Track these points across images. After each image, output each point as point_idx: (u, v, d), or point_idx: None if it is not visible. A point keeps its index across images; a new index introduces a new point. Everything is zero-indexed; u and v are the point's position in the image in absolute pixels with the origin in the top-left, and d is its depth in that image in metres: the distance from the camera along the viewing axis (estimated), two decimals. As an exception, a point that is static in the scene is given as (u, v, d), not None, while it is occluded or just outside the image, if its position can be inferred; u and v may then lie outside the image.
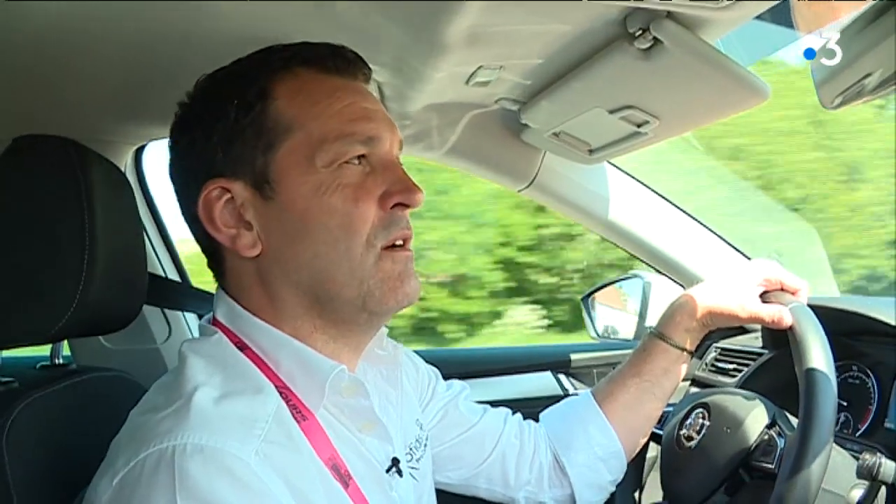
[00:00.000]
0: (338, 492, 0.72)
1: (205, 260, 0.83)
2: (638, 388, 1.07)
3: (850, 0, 0.81)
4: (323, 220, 0.74)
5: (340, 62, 0.79)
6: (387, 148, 0.78)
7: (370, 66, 0.82)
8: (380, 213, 0.75)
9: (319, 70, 0.77)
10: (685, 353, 1.06)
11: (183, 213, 0.80)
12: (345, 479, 0.73)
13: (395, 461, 0.83)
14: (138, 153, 1.50)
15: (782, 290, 1.01)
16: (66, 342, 1.11)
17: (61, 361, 1.04)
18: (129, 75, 1.05)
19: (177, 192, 0.81)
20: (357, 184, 0.75)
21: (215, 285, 0.82)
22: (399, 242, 0.77)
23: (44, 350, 1.03)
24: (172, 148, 0.81)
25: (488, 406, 1.11)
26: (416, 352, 1.10)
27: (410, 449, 0.91)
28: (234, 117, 0.74)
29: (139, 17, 0.86)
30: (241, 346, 0.75)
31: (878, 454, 0.85)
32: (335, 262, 0.74)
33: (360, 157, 0.76)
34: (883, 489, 0.85)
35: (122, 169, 1.34)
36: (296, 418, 0.72)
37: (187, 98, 0.79)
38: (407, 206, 0.77)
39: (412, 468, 0.89)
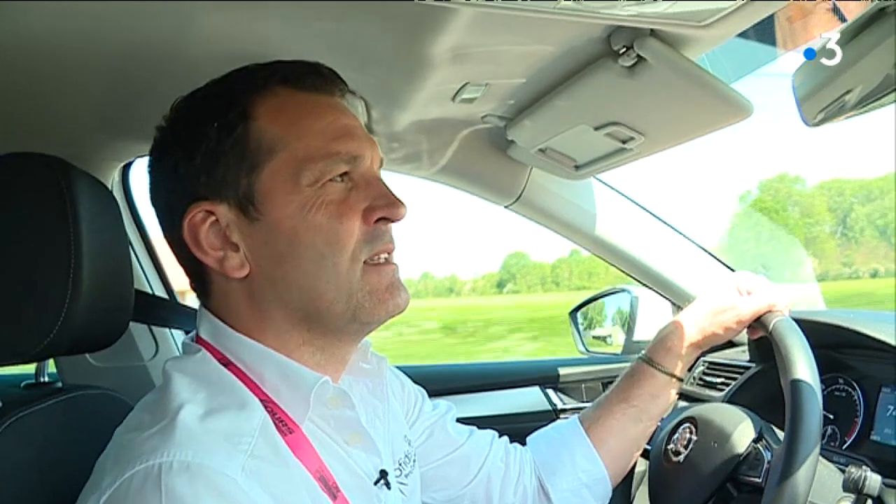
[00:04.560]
0: None
1: None
2: (624, 414, 1.07)
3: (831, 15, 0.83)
4: (309, 238, 0.74)
5: (318, 80, 0.79)
6: (368, 164, 0.79)
7: (358, 83, 0.82)
8: (364, 228, 0.76)
9: (298, 88, 0.78)
10: (674, 378, 1.07)
11: (166, 236, 0.80)
12: (332, 491, 0.72)
13: (384, 473, 0.82)
14: (125, 170, 1.50)
15: None
16: (51, 360, 1.09)
17: (46, 379, 1.03)
18: (116, 92, 1.05)
19: (159, 215, 0.81)
20: (340, 200, 0.75)
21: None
22: (384, 257, 0.78)
23: (29, 368, 1.02)
24: (152, 171, 0.80)
25: (475, 428, 1.10)
26: (405, 367, 1.09)
27: (400, 464, 0.90)
28: (217, 139, 0.74)
29: (125, 32, 0.86)
30: (225, 363, 0.75)
31: (864, 467, 0.85)
32: (323, 278, 0.75)
33: (343, 174, 0.76)
34: (869, 502, 0.86)
35: (109, 186, 1.34)
36: (281, 431, 0.71)
37: (164, 121, 0.79)
38: (390, 220, 0.78)
39: (401, 483, 0.88)
